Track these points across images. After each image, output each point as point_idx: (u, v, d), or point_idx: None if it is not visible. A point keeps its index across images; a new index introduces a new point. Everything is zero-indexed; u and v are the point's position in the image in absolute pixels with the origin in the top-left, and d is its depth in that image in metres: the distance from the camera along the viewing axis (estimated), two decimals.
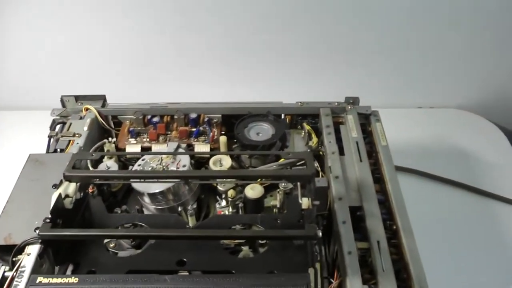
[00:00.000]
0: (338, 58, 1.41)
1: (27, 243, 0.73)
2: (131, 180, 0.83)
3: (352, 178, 0.85)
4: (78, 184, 0.75)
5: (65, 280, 0.63)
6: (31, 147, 0.92)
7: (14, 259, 0.72)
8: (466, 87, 1.47)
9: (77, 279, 0.63)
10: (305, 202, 0.72)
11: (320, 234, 0.64)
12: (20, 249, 0.73)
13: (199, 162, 0.95)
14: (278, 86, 1.42)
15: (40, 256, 0.65)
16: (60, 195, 0.71)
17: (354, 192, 0.83)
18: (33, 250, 0.73)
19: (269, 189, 0.88)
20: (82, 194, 0.77)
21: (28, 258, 0.72)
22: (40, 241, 0.70)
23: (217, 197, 0.89)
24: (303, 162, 0.89)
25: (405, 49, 1.38)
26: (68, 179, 0.74)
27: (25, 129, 1.38)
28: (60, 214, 0.72)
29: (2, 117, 1.49)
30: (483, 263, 1.02)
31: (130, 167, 0.94)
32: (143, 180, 0.83)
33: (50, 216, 0.69)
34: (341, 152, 0.91)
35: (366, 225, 0.77)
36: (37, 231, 0.70)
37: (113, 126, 1.02)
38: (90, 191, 0.84)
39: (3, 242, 0.74)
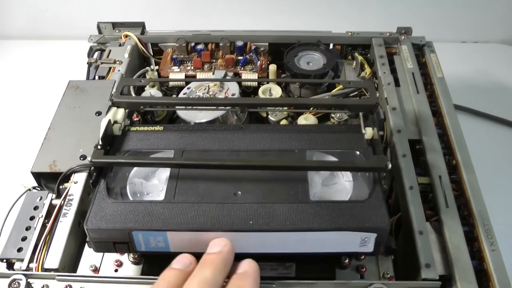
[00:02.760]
0: None
1: (74, 171, 0.71)
2: (181, 107, 0.79)
3: (410, 110, 0.81)
4: (126, 111, 0.71)
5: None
6: (70, 75, 0.88)
7: (60, 187, 0.70)
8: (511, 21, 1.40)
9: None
10: (369, 132, 0.67)
11: (390, 165, 0.60)
12: (66, 177, 0.71)
13: (246, 92, 0.91)
14: (325, 17, 1.36)
15: (93, 184, 0.62)
16: (109, 121, 0.67)
17: (412, 125, 0.78)
18: (80, 178, 0.70)
19: (320, 121, 0.84)
20: (129, 121, 0.74)
21: (75, 186, 0.69)
22: (91, 168, 0.67)
23: None
24: (355, 93, 0.85)
25: None
26: (117, 105, 0.70)
27: (63, 58, 1.35)
28: (109, 141, 0.68)
29: (41, 46, 1.46)
30: None
31: (174, 96, 0.90)
32: (191, 108, 0.79)
33: (100, 143, 0.65)
34: (396, 83, 0.85)
35: (426, 159, 0.73)
36: (87, 159, 0.68)
37: (152, 54, 0.98)
38: (135, 119, 0.81)
39: (48, 169, 0.72)
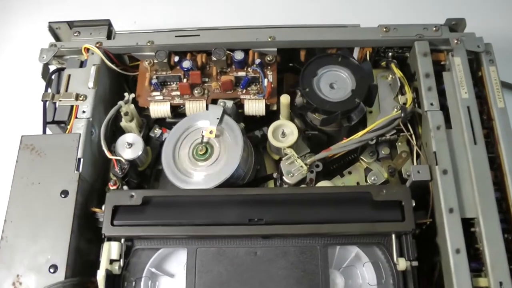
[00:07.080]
0: None
1: None
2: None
3: (464, 171, 0.63)
4: (122, 241, 0.60)
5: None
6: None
7: None
8: None
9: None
10: (401, 264, 0.59)
11: None
12: None
13: (249, 119, 0.71)
14: None
15: None
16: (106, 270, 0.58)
17: (466, 195, 0.62)
18: None
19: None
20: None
21: None
22: None
23: None
24: (393, 132, 0.68)
25: None
26: (110, 239, 0.60)
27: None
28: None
29: None
30: None
31: (158, 130, 0.71)
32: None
33: None
34: (446, 118, 0.65)
35: (484, 251, 0.59)
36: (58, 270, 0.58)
37: (128, 63, 0.75)
38: (113, 187, 0.64)
39: None
